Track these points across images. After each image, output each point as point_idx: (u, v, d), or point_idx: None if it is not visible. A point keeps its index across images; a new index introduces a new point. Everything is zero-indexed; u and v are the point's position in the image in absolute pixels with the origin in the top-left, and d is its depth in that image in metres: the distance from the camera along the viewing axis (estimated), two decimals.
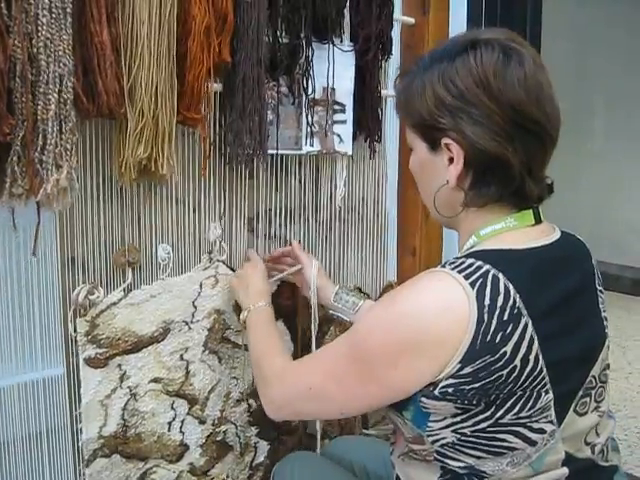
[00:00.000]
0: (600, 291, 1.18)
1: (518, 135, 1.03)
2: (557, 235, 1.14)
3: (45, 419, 1.45)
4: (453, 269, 1.01)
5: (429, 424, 1.05)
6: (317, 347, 1.70)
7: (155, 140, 1.35)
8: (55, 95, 1.16)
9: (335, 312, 1.68)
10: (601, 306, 1.17)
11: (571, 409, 1.06)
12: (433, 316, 0.98)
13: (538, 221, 1.11)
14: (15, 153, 1.15)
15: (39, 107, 1.15)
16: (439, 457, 1.07)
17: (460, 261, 1.02)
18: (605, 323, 1.17)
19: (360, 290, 1.93)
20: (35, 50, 1.14)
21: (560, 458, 1.06)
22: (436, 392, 0.99)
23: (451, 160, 1.08)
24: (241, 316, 1.54)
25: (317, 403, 1.17)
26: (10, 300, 1.38)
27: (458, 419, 1.02)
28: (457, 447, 1.04)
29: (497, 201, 1.09)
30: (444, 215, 1.16)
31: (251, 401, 1.74)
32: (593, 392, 1.11)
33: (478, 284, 0.98)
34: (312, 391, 1.16)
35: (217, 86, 1.50)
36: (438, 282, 1.01)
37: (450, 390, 0.98)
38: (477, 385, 0.97)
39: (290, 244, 1.73)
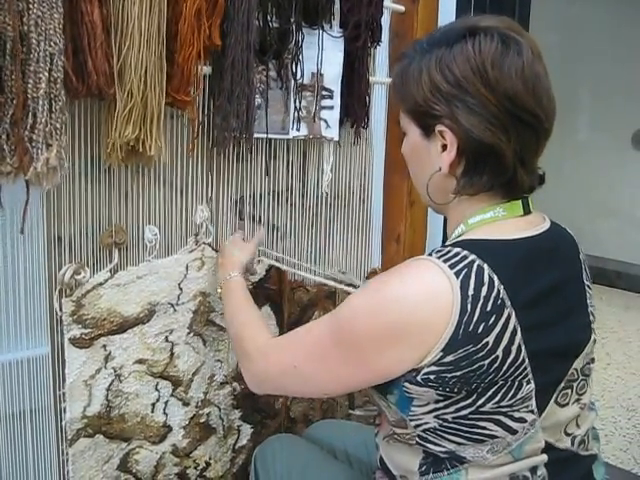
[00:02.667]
0: (588, 286, 1.19)
1: (513, 125, 1.03)
2: (546, 226, 1.14)
3: (29, 398, 1.45)
4: (439, 258, 1.01)
5: (412, 409, 1.06)
6: None
7: (143, 121, 1.35)
8: (45, 74, 1.16)
9: None
10: (588, 301, 1.17)
11: (552, 400, 1.07)
12: (417, 303, 0.98)
13: (527, 212, 1.12)
14: (4, 131, 1.14)
15: (29, 85, 1.15)
16: (421, 441, 1.08)
17: (446, 250, 1.02)
18: (591, 318, 1.17)
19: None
20: (26, 28, 1.13)
21: (540, 447, 1.07)
22: (418, 378, 1.00)
23: (444, 147, 1.08)
24: (217, 289, 1.55)
25: (300, 381, 1.17)
26: None
27: (440, 405, 1.03)
28: (439, 432, 1.05)
29: (488, 190, 1.09)
30: (436, 201, 1.16)
31: (235, 384, 1.75)
32: (575, 384, 1.11)
33: (463, 274, 0.98)
34: (297, 369, 1.15)
35: (206, 69, 1.50)
36: (423, 270, 1.01)
37: (432, 377, 0.99)
38: (458, 373, 0.98)
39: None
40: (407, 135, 1.18)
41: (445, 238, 1.21)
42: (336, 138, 1.82)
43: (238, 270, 1.55)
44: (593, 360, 1.18)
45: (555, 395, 1.07)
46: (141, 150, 1.36)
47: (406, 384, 1.02)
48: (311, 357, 1.13)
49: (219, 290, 1.54)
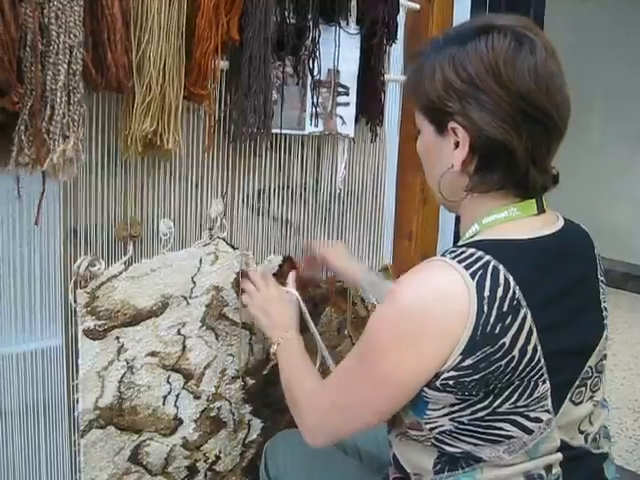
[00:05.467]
0: (602, 281, 1.18)
1: (525, 124, 1.03)
2: (560, 225, 1.14)
3: (42, 389, 1.45)
4: (453, 258, 1.01)
5: (427, 412, 1.06)
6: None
7: (162, 115, 1.35)
8: (64, 66, 1.16)
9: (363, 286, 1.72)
10: (602, 297, 1.17)
11: (567, 398, 1.07)
12: (432, 307, 0.98)
13: (541, 211, 1.11)
14: (23, 122, 1.15)
15: (48, 77, 1.15)
16: (436, 443, 1.09)
17: (461, 250, 1.02)
18: (605, 314, 1.17)
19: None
20: (46, 20, 1.14)
21: (555, 446, 1.07)
22: (437, 383, 1.00)
23: (457, 144, 1.08)
24: (271, 349, 1.53)
25: (343, 416, 1.17)
26: (12, 270, 1.38)
27: (456, 408, 1.03)
28: (454, 434, 1.06)
29: (500, 188, 1.09)
30: (448, 199, 1.16)
31: (246, 379, 1.76)
32: (589, 382, 1.12)
33: (478, 275, 0.98)
34: (335, 404, 1.17)
35: (224, 64, 1.50)
36: (438, 272, 1.01)
37: (451, 382, 0.99)
38: (477, 377, 0.98)
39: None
40: (421, 133, 1.18)
41: (457, 236, 1.21)
42: (352, 135, 1.82)
43: (293, 328, 1.54)
44: (605, 356, 1.18)
45: (570, 394, 1.08)
46: (159, 143, 1.37)
47: (425, 389, 1.03)
48: (343, 387, 1.15)
49: (274, 349, 1.51)
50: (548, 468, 1.07)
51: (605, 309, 1.18)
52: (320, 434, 1.26)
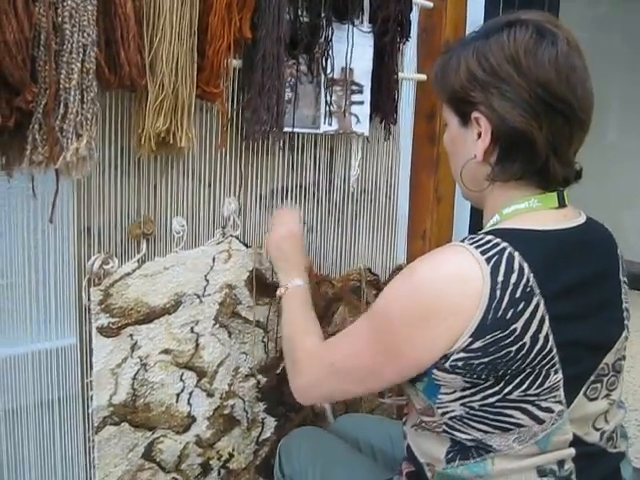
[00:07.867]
0: (624, 282, 1.19)
1: (545, 113, 1.05)
2: (581, 220, 1.16)
3: (57, 387, 1.46)
4: (471, 244, 1.03)
5: (439, 396, 1.07)
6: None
7: (174, 113, 1.36)
8: (78, 64, 1.17)
9: None
10: (623, 297, 1.18)
11: (581, 392, 1.08)
12: (447, 287, 1.01)
13: (562, 205, 1.13)
14: (36, 121, 1.15)
15: (62, 76, 1.16)
16: (448, 429, 1.10)
17: (479, 237, 1.05)
18: (625, 314, 1.18)
19: None
20: (60, 19, 1.14)
21: (567, 439, 1.07)
22: (447, 365, 1.02)
23: (479, 135, 1.11)
24: (277, 292, 1.55)
25: (340, 379, 1.20)
26: (26, 268, 1.39)
27: (467, 393, 1.04)
28: (465, 420, 1.07)
29: (520, 178, 1.11)
30: (471, 189, 1.19)
31: (260, 377, 1.76)
32: (605, 379, 1.12)
33: (493, 260, 1.00)
34: (334, 367, 1.19)
35: (237, 62, 1.51)
36: (455, 255, 1.04)
37: (460, 364, 1.01)
38: (486, 360, 1.00)
39: None
40: (448, 127, 1.22)
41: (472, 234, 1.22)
42: (366, 133, 1.82)
43: (304, 278, 1.54)
44: (624, 357, 1.18)
45: (584, 388, 1.08)
46: (172, 142, 1.37)
47: (435, 371, 1.04)
48: (348, 352, 1.17)
49: (280, 292, 1.53)
50: (560, 463, 1.07)
51: (626, 310, 1.19)
52: (314, 393, 1.31)
